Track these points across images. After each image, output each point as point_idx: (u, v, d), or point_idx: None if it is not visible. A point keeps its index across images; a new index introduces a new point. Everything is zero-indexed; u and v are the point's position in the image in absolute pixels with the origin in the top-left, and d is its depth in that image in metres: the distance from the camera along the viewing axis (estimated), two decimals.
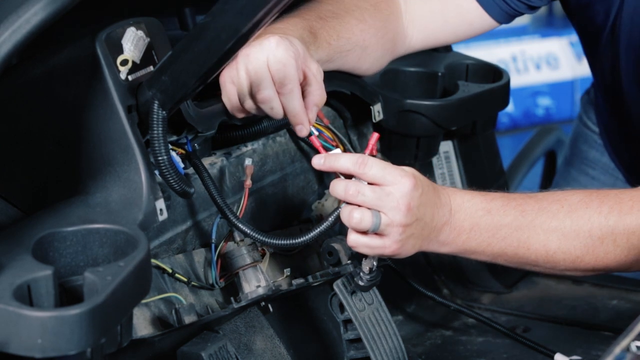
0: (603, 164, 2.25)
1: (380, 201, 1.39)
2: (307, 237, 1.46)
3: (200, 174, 1.50)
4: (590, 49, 1.99)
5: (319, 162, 1.42)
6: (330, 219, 1.45)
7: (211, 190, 1.50)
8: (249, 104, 1.47)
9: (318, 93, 1.49)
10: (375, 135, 1.46)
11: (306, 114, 1.47)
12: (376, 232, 1.40)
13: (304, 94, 1.48)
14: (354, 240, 1.41)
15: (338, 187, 1.40)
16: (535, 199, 1.49)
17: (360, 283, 1.50)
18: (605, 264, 1.49)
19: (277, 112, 1.46)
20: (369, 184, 1.40)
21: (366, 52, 1.71)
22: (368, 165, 1.39)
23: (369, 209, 1.39)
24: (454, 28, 1.84)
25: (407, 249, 1.44)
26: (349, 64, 1.70)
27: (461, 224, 1.46)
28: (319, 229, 1.45)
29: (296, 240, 1.47)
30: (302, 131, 1.47)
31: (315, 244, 1.68)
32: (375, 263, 1.49)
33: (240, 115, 1.51)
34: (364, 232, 1.40)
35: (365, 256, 1.48)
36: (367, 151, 1.44)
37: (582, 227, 1.47)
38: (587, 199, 1.48)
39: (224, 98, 1.48)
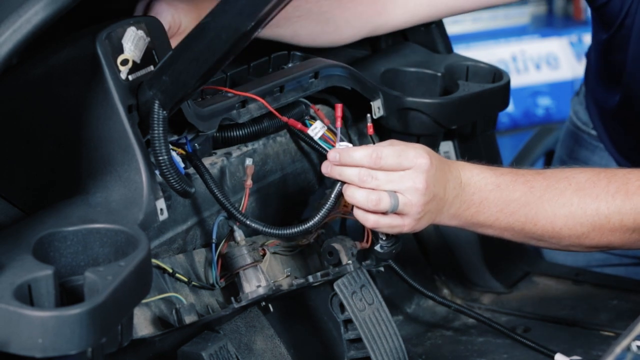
0: (594, 162, 2.25)
1: (394, 183, 1.42)
2: (314, 220, 1.50)
3: (202, 176, 1.51)
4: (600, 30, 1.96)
5: (334, 156, 1.45)
6: (331, 197, 1.47)
7: (214, 191, 1.50)
8: None
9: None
10: (340, 107, 1.49)
11: None
12: (395, 212, 1.43)
13: None
14: (375, 221, 1.45)
15: (350, 173, 1.43)
16: (543, 175, 1.52)
17: (380, 250, 1.51)
18: (610, 241, 1.52)
19: None
20: None
21: (324, 17, 1.72)
22: (383, 157, 1.42)
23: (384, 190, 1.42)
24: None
25: (423, 224, 1.48)
26: (304, 30, 1.71)
27: (470, 197, 1.49)
28: (324, 209, 1.49)
29: (306, 225, 1.50)
30: None
31: (316, 244, 1.68)
32: None
33: None
34: (383, 213, 1.43)
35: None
36: (338, 124, 1.49)
37: (589, 205, 1.49)
38: (594, 177, 1.50)
39: None
